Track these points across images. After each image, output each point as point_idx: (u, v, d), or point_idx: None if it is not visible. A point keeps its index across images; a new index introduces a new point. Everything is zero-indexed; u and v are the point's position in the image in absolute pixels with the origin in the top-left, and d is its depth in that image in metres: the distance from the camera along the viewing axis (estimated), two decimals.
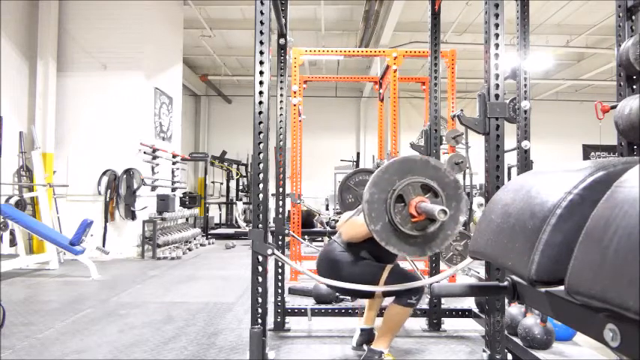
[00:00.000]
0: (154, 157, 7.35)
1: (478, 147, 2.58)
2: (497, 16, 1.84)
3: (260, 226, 1.85)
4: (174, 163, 8.31)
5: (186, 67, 11.09)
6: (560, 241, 0.76)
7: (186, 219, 8.50)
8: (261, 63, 1.87)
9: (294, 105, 4.61)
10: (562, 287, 0.72)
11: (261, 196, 1.87)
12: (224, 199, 12.08)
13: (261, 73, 1.88)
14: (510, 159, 2.62)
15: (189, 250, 7.66)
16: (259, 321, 1.85)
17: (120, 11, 7.00)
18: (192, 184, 12.57)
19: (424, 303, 3.38)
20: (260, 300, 1.86)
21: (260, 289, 1.86)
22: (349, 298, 4.00)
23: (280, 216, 3.26)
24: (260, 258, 1.85)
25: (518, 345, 2.58)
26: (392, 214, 1.75)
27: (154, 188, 7.34)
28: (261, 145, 1.87)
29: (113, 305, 3.89)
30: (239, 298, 4.16)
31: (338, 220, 7.60)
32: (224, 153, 11.49)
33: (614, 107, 1.96)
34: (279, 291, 3.20)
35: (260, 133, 1.86)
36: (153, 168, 7.36)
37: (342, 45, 10.22)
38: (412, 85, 10.34)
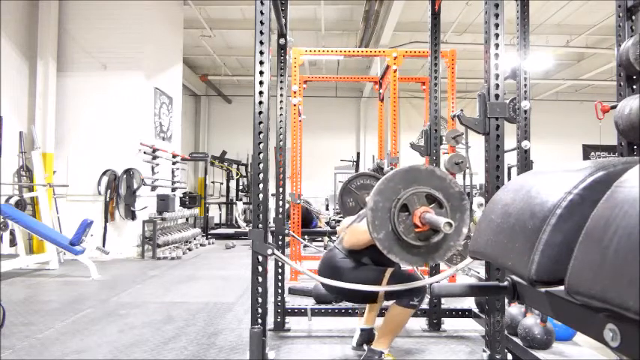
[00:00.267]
0: (154, 157, 7.35)
1: (478, 147, 2.58)
2: (497, 16, 1.84)
3: (260, 226, 1.85)
4: (174, 163, 8.31)
5: (186, 67, 11.09)
6: (560, 241, 0.76)
7: (186, 219, 8.50)
8: (261, 63, 1.87)
9: (294, 105, 4.61)
10: (562, 287, 0.72)
11: (261, 196, 1.87)
12: (224, 199, 12.08)
13: (261, 73, 1.88)
14: (510, 159, 2.62)
15: (189, 250, 7.66)
16: (259, 321, 1.85)
17: (120, 11, 7.00)
18: (192, 184, 12.57)
19: (424, 303, 3.38)
20: (260, 300, 1.86)
21: (260, 289, 1.86)
22: None
23: (280, 216, 3.26)
24: (260, 258, 1.85)
25: (518, 345, 2.58)
26: (395, 223, 1.75)
27: (153, 188, 7.34)
28: (261, 145, 1.87)
29: (113, 305, 3.89)
30: (239, 298, 4.16)
31: (338, 220, 7.60)
32: (224, 153, 11.49)
33: (614, 107, 1.96)
34: (279, 291, 3.20)
35: (260, 133, 1.86)
36: (153, 168, 7.36)
37: (342, 45, 10.22)
38: (412, 85, 10.34)
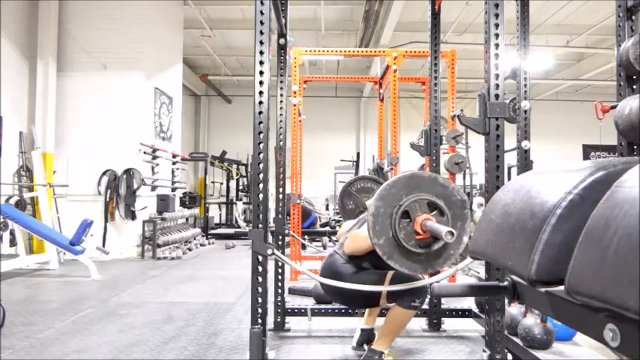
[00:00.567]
0: (154, 157, 7.35)
1: (478, 147, 2.58)
2: (497, 16, 1.84)
3: (260, 226, 1.85)
4: (174, 163, 8.31)
5: (186, 67, 11.09)
6: (560, 241, 0.76)
7: (186, 219, 8.50)
8: (261, 63, 1.87)
9: (294, 105, 4.61)
10: (562, 287, 0.72)
11: (261, 196, 1.87)
12: (224, 199, 12.08)
13: (261, 73, 1.88)
14: (510, 159, 2.62)
15: (189, 250, 7.66)
16: (259, 321, 1.85)
17: (120, 11, 7.00)
18: (192, 184, 12.57)
19: (424, 303, 3.38)
20: (260, 300, 1.86)
21: (260, 289, 1.86)
22: None
23: (280, 216, 3.26)
24: (260, 258, 1.85)
25: (518, 345, 2.58)
26: (396, 230, 1.75)
27: (153, 188, 7.34)
28: (261, 145, 1.87)
29: (113, 305, 3.89)
30: (239, 298, 4.16)
31: (338, 220, 7.59)
32: (224, 153, 11.49)
33: (614, 107, 1.96)
34: (279, 291, 3.20)
35: (260, 133, 1.86)
36: (153, 168, 7.36)
37: (342, 45, 10.22)
38: (412, 85, 10.35)
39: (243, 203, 10.94)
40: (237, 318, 3.51)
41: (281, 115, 3.11)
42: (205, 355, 2.70)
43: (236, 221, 10.68)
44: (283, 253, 3.25)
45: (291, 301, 3.69)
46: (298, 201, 4.86)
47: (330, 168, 11.82)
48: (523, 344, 2.61)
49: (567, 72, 11.66)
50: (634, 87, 1.99)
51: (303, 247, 6.49)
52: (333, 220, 8.13)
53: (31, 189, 6.30)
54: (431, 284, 1.48)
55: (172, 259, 6.71)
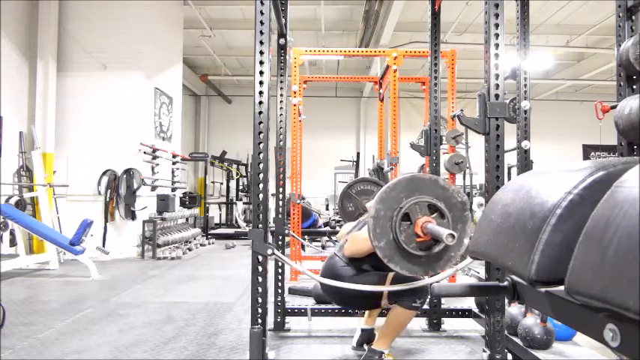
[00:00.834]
0: (154, 157, 7.35)
1: (478, 147, 2.58)
2: (497, 16, 1.84)
3: (260, 226, 1.85)
4: (174, 163, 8.31)
5: (186, 67, 11.09)
6: (560, 241, 0.76)
7: (186, 219, 8.50)
8: (261, 63, 1.87)
9: (294, 105, 4.61)
10: (562, 287, 0.72)
11: (261, 196, 1.87)
12: (224, 199, 12.08)
13: (261, 73, 1.88)
14: (510, 159, 2.62)
15: (189, 250, 7.66)
16: (259, 321, 1.85)
17: (120, 11, 7.00)
18: (192, 184, 12.57)
19: (425, 303, 3.38)
20: (260, 300, 1.86)
21: (260, 289, 1.86)
22: None
23: (280, 216, 3.26)
24: (260, 258, 1.85)
25: (518, 345, 2.58)
26: (397, 232, 1.75)
27: (153, 188, 7.34)
28: (261, 145, 1.87)
29: (113, 305, 3.89)
30: (239, 298, 4.16)
31: (338, 220, 7.59)
32: (224, 153, 11.49)
33: (614, 107, 1.97)
34: (279, 291, 3.20)
35: (260, 133, 1.86)
36: (153, 168, 7.36)
37: (342, 45, 10.22)
38: (412, 85, 10.34)
39: (243, 203, 10.94)
40: (237, 318, 3.51)
41: (281, 115, 3.11)
42: (205, 355, 2.70)
43: (236, 221, 10.68)
44: (283, 253, 3.25)
45: (291, 301, 3.69)
46: (298, 201, 4.86)
47: (330, 168, 11.82)
48: (523, 344, 2.61)
49: (567, 72, 11.66)
50: (634, 87, 1.99)
51: (303, 247, 6.49)
52: (333, 220, 8.14)
53: (31, 189, 6.30)
54: (431, 284, 1.48)
55: (172, 259, 6.71)
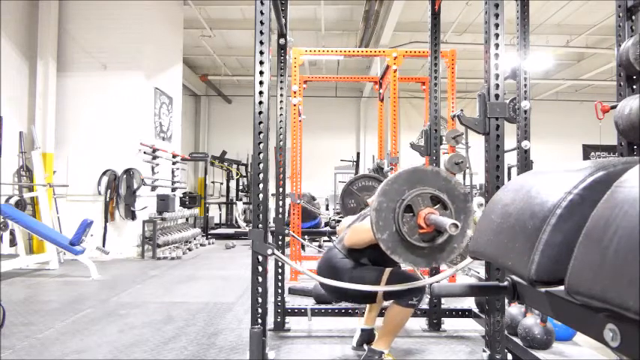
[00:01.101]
0: (154, 157, 7.35)
1: (478, 147, 2.58)
2: (497, 16, 1.84)
3: (260, 226, 1.85)
4: (174, 163, 8.31)
5: (186, 67, 11.09)
6: (560, 241, 0.76)
7: (186, 219, 8.50)
8: (261, 63, 1.87)
9: (294, 105, 4.61)
10: (562, 287, 0.72)
11: (261, 196, 1.87)
12: (224, 199, 12.08)
13: (261, 73, 1.87)
14: (510, 159, 2.62)
15: (189, 250, 7.66)
16: (259, 321, 1.85)
17: (120, 11, 7.00)
18: (192, 184, 12.57)
19: (424, 303, 3.38)
20: (260, 300, 1.86)
21: (260, 289, 1.86)
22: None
23: (280, 216, 3.26)
24: (260, 258, 1.85)
25: (518, 345, 2.58)
26: (400, 224, 1.74)
27: (154, 188, 7.34)
28: (261, 145, 1.87)
29: (113, 305, 3.89)
30: (239, 298, 4.16)
31: (338, 220, 7.59)
32: (224, 153, 11.49)
33: (614, 107, 1.96)
34: (279, 291, 3.20)
35: (260, 133, 1.86)
36: (153, 168, 7.36)
37: (342, 45, 10.22)
38: (412, 85, 10.34)
39: (243, 203, 10.94)
40: (237, 318, 3.51)
41: (281, 115, 3.11)
42: (205, 355, 2.70)
43: (236, 221, 10.68)
44: (283, 253, 3.25)
45: (291, 301, 3.69)
46: (298, 201, 4.86)
47: (330, 168, 11.82)
48: (523, 344, 2.61)
49: (567, 72, 11.65)
50: (634, 87, 1.99)
51: (303, 247, 6.49)
52: (333, 220, 8.13)
53: (31, 189, 6.30)
54: (431, 284, 1.47)
55: (172, 259, 6.71)
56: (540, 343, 2.62)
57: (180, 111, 8.69)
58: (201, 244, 8.40)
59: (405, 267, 2.52)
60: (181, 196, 9.49)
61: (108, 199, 6.74)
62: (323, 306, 3.50)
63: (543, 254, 0.77)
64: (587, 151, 13.53)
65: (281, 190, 3.25)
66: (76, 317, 3.50)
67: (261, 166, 1.87)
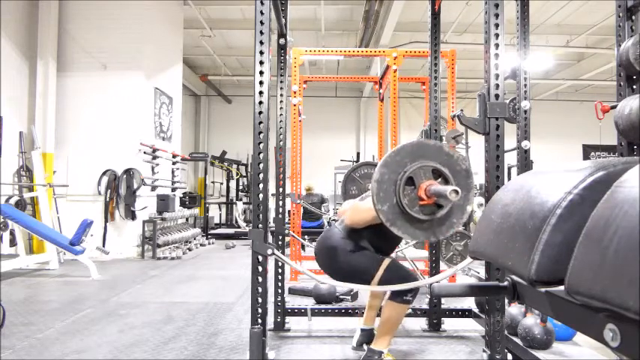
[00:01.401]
0: (154, 157, 7.35)
1: (478, 147, 2.58)
2: (497, 16, 1.84)
3: (260, 226, 1.85)
4: (174, 163, 8.31)
5: (186, 67, 11.09)
6: (560, 241, 0.76)
7: (186, 219, 8.50)
8: (261, 63, 1.87)
9: (294, 105, 4.61)
10: (562, 287, 0.72)
11: (261, 196, 1.87)
12: (224, 199, 12.08)
13: (261, 73, 1.87)
14: (510, 159, 2.62)
15: (189, 250, 7.66)
16: (259, 321, 1.85)
17: (120, 11, 7.00)
18: (192, 184, 12.57)
19: (424, 303, 3.38)
20: (260, 300, 1.86)
21: (260, 289, 1.86)
22: (349, 298, 4.00)
23: (280, 216, 3.26)
24: (260, 258, 1.85)
25: (518, 345, 2.58)
26: (400, 196, 1.73)
27: (153, 188, 7.34)
28: (261, 145, 1.87)
29: (113, 305, 3.89)
30: (239, 298, 4.16)
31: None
32: (224, 153, 11.49)
33: (614, 107, 1.97)
34: (279, 291, 3.20)
35: (260, 133, 1.86)
36: (153, 168, 7.36)
37: (342, 45, 10.22)
38: (412, 85, 10.34)
39: (243, 203, 10.94)
40: (237, 318, 3.51)
41: (281, 115, 3.11)
42: (205, 355, 2.70)
43: (236, 221, 10.69)
44: (283, 253, 3.25)
45: (291, 301, 3.69)
46: (298, 201, 4.86)
47: (330, 168, 11.82)
48: (523, 344, 2.61)
49: (567, 72, 11.65)
50: (634, 87, 1.99)
51: (303, 247, 6.49)
52: (334, 220, 8.12)
53: (31, 189, 6.30)
54: (431, 284, 1.47)
55: (172, 259, 6.72)
56: (540, 343, 2.62)
57: (180, 111, 8.70)
58: (201, 244, 8.40)
59: (404, 264, 2.52)
60: (181, 196, 9.49)
61: (108, 199, 6.74)
62: (323, 306, 3.50)
63: (543, 254, 0.77)
64: (587, 151, 13.53)
65: (281, 190, 3.24)
66: (76, 317, 3.50)
67: (261, 166, 1.87)
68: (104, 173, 6.77)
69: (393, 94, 4.72)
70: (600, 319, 0.65)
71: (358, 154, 12.54)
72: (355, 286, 2.13)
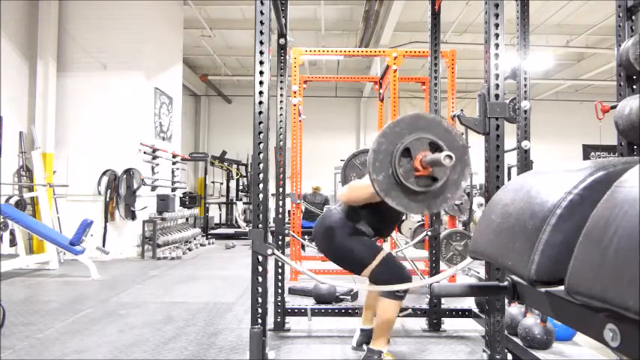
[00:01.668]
0: (154, 157, 7.35)
1: (478, 147, 2.58)
2: (497, 16, 1.84)
3: (260, 226, 1.85)
4: (174, 163, 8.31)
5: (186, 67, 11.09)
6: (560, 241, 0.76)
7: (186, 219, 8.50)
8: (261, 63, 1.87)
9: (294, 105, 4.61)
10: (562, 287, 0.72)
11: (261, 196, 1.87)
12: (224, 199, 12.08)
13: (261, 73, 1.87)
14: (510, 159, 2.62)
15: (189, 250, 7.66)
16: (259, 321, 1.85)
17: (120, 11, 7.00)
18: (192, 184, 12.57)
19: (424, 303, 3.38)
20: (260, 300, 1.86)
21: (260, 289, 1.86)
22: (349, 298, 4.00)
23: (280, 216, 3.26)
24: (260, 258, 1.85)
25: (518, 345, 2.58)
26: (396, 167, 1.73)
27: (154, 188, 7.34)
28: (261, 145, 1.87)
29: (113, 305, 3.89)
30: (239, 298, 4.16)
31: None
32: (224, 153, 11.49)
33: (614, 107, 1.97)
34: (279, 291, 3.20)
35: (260, 133, 1.86)
36: (153, 168, 7.36)
37: (342, 45, 10.22)
38: (412, 85, 10.33)
39: (243, 203, 10.94)
40: (237, 318, 3.51)
41: (281, 115, 3.11)
42: (205, 355, 2.70)
43: (236, 221, 10.69)
44: (283, 253, 3.25)
45: (291, 301, 3.69)
46: (298, 201, 4.86)
47: (330, 168, 11.81)
48: (523, 344, 2.61)
49: (567, 72, 11.65)
50: (634, 87, 1.99)
51: (303, 247, 6.49)
52: None
53: (31, 189, 6.30)
54: (431, 284, 1.47)
55: (172, 259, 6.71)
56: (540, 343, 2.62)
57: (180, 111, 8.70)
58: (201, 244, 8.40)
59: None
60: (181, 196, 9.49)
61: (108, 199, 6.74)
62: (323, 306, 3.49)
63: (543, 254, 0.77)
64: (587, 151, 13.53)
65: (281, 190, 3.24)
66: (76, 317, 3.50)
67: (261, 166, 1.87)
68: (104, 173, 6.77)
69: (393, 94, 4.72)
70: (600, 319, 0.65)
71: None
72: (361, 287, 2.13)
